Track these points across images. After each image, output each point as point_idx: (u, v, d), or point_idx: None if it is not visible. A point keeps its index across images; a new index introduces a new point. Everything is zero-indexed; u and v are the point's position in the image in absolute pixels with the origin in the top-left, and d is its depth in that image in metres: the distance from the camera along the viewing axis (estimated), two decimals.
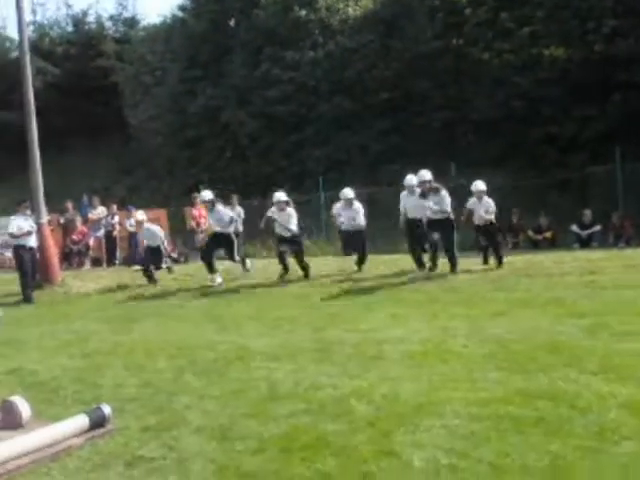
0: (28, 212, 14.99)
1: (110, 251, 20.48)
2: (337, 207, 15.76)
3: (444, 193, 13.35)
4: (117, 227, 20.68)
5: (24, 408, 5.88)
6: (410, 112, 24.77)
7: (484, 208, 13.96)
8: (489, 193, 14.21)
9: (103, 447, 5.40)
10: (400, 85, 24.96)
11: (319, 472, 4.69)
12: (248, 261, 15.82)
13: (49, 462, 5.14)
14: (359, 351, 8.16)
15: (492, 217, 14.09)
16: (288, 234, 14.41)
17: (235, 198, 20.26)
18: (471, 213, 14.22)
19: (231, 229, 15.08)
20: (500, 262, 14.00)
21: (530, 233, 19.57)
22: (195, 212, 20.57)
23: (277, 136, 27.02)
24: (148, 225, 16.15)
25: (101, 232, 20.40)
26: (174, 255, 20.70)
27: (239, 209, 19.91)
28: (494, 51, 23.27)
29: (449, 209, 13.43)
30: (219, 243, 15.07)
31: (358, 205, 15.02)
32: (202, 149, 28.89)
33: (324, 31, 27.47)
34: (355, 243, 15.05)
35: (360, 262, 14.98)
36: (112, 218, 20.68)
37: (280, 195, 14.80)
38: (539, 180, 20.94)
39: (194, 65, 29.77)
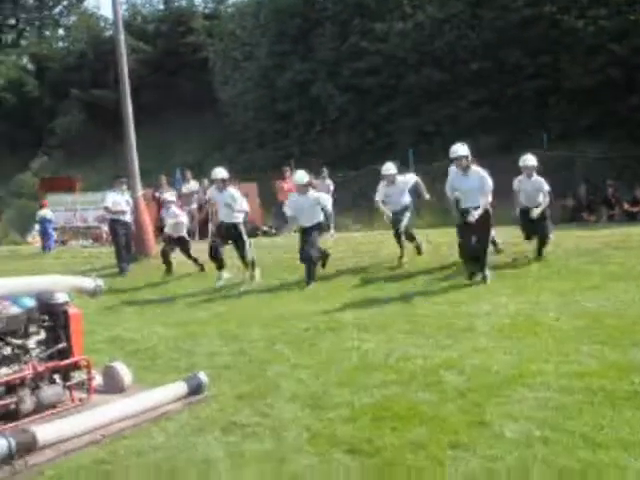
0: (124, 187, 15.40)
1: (202, 224, 20.82)
2: (381, 186, 12.87)
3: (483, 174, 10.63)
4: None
5: (125, 374, 6.13)
6: (501, 82, 24.29)
7: (534, 187, 11.85)
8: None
9: (200, 412, 5.60)
10: (491, 55, 24.45)
11: (410, 441, 4.75)
12: (257, 272, 12.65)
13: (150, 425, 5.35)
14: (449, 323, 8.17)
15: (546, 200, 11.88)
16: (309, 224, 11.87)
17: (325, 171, 20.39)
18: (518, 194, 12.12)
19: (240, 218, 12.41)
20: (540, 253, 12.04)
21: (626, 205, 19.01)
22: (285, 185, 20.75)
23: (366, 108, 26.91)
24: (178, 211, 14.79)
25: (194, 206, 20.76)
26: (265, 228, 20.97)
27: (329, 182, 20.02)
28: (589, 18, 22.53)
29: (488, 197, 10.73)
30: (227, 236, 12.55)
31: (402, 180, 12.73)
32: (292, 123, 29.05)
33: (413, 1, 27.12)
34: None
35: (418, 249, 13.09)
36: (204, 192, 21.01)
37: (301, 176, 12.13)
38: (635, 151, 20.26)
39: (283, 39, 29.87)
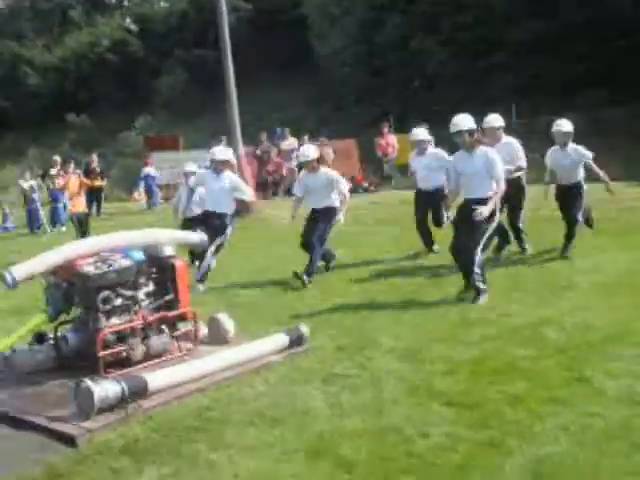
0: (222, 145, 15.66)
1: None
2: (412, 154, 11.18)
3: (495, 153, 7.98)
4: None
5: (229, 325, 6.33)
6: (611, 33, 23.33)
7: (568, 159, 9.35)
8: None
9: (301, 364, 5.75)
10: (600, 4, 23.50)
11: (508, 395, 4.78)
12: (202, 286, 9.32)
13: (252, 375, 5.53)
14: (551, 280, 8.08)
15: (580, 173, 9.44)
16: (319, 206, 9.56)
17: (425, 126, 20.19)
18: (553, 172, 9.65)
19: (231, 209, 9.92)
20: (569, 240, 9.42)
21: None
22: (382, 142, 20.71)
23: (466, 63, 26.44)
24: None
25: (293, 163, 20.96)
26: (365, 184, 20.97)
27: (430, 139, 19.88)
28: None
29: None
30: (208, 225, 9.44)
31: (436, 152, 10.53)
32: (390, 78, 28.83)
33: None
34: (428, 205, 10.47)
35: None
36: None
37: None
38: None
39: None
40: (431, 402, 4.73)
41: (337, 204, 9.52)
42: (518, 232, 9.77)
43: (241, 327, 6.57)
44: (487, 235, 7.49)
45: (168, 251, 6.15)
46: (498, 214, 7.68)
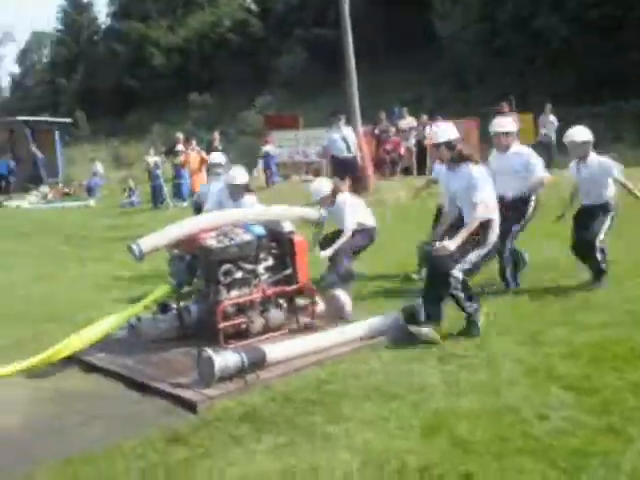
0: (341, 123, 15.73)
1: (420, 160, 20.87)
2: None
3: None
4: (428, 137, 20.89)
5: (346, 302, 6.39)
6: None
7: (587, 175, 7.36)
8: None
9: (416, 342, 5.72)
10: None
11: (630, 382, 4.65)
12: None
13: (367, 352, 5.57)
14: None
15: (608, 194, 7.33)
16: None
17: (549, 107, 19.76)
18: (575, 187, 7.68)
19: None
20: (598, 277, 7.26)
21: None
22: None
23: (592, 41, 25.54)
24: None
25: (411, 142, 20.84)
26: None
27: (552, 118, 19.45)
28: None
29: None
30: None
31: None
32: (512, 57, 28.21)
33: None
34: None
35: None
36: (423, 128, 20.99)
37: (318, 188, 8.07)
38: None
39: None
40: (550, 385, 4.65)
41: (372, 223, 8.24)
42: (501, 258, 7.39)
43: (356, 305, 6.62)
44: (471, 257, 5.91)
45: (288, 227, 6.27)
46: (493, 237, 6.04)
